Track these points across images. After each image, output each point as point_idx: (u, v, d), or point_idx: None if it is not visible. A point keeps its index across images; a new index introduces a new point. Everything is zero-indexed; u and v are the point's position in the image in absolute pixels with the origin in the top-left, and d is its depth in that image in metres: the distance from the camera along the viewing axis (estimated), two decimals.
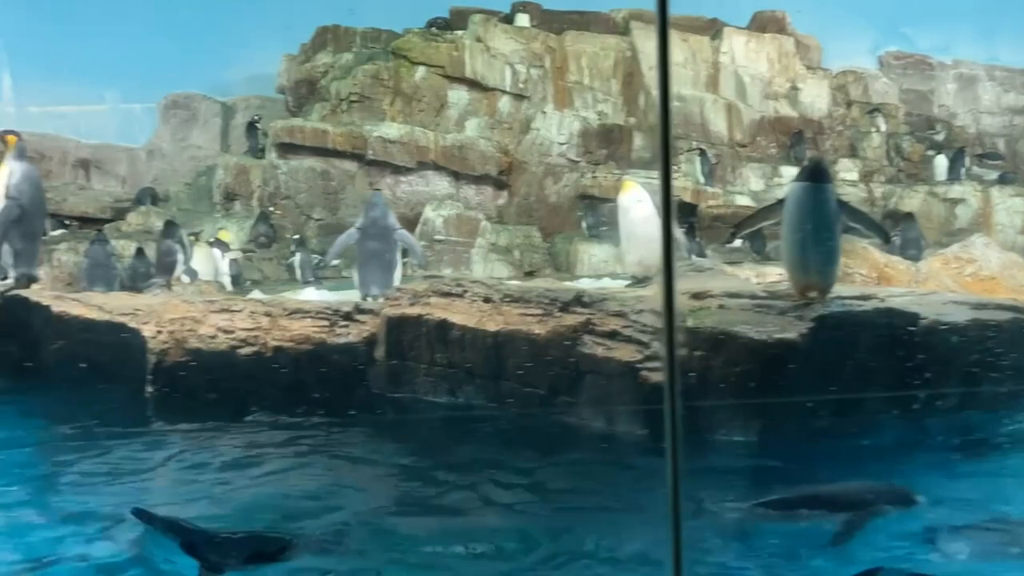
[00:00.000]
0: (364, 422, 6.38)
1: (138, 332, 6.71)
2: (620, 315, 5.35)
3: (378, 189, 9.75)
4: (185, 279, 11.31)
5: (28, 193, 8.22)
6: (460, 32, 16.13)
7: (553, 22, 16.84)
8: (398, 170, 15.39)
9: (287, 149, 15.12)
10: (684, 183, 14.38)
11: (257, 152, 15.65)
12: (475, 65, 15.79)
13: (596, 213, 14.20)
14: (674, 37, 17.27)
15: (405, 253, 9.51)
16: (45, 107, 19.68)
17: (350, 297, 8.47)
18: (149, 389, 6.73)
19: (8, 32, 19.02)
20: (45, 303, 7.07)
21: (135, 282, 11.21)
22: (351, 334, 6.51)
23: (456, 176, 15.50)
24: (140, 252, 12.47)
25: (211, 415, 6.49)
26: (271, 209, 14.43)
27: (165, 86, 19.40)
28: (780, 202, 5.37)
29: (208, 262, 11.60)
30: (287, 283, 13.16)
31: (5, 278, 10.10)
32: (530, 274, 13.54)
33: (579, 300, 5.67)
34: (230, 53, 19.54)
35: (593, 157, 15.74)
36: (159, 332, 6.65)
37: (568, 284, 7.93)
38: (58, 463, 5.88)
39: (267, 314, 6.71)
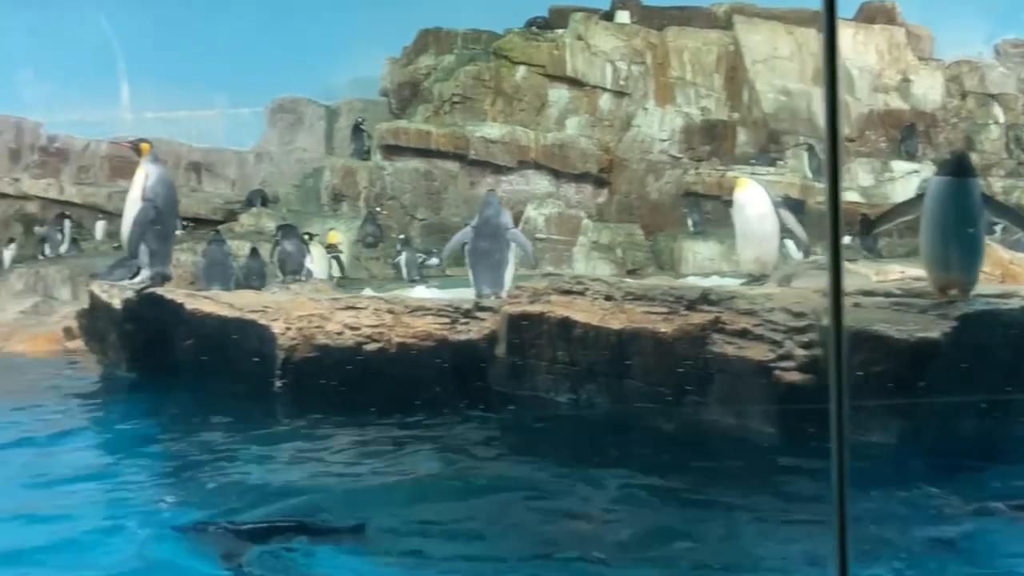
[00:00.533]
0: (485, 418, 6.46)
1: (268, 328, 6.95)
2: (751, 313, 5.27)
3: (492, 189, 9.81)
4: (301, 278, 11.65)
5: (162, 195, 8.60)
6: (560, 31, 16.14)
7: (653, 18, 16.69)
8: (499, 170, 15.50)
9: (392, 150, 15.40)
10: (792, 179, 14.06)
11: (363, 154, 15.98)
12: (576, 63, 15.77)
13: (700, 210, 14.02)
14: (779, 30, 16.90)
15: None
16: (159, 112, 20.57)
17: (458, 295, 8.57)
18: (278, 383, 6.97)
19: (126, 41, 19.97)
20: (179, 300, 7.38)
21: (250, 281, 11.59)
22: (472, 331, 6.60)
23: (556, 175, 15.52)
24: (255, 252, 12.89)
25: (338, 409, 6.68)
26: (378, 209, 14.71)
27: (272, 91, 20.04)
28: (919, 197, 5.20)
29: (323, 261, 11.91)
30: (393, 282, 13.40)
31: (134, 276, 10.60)
32: (633, 272, 13.45)
33: (706, 298, 5.60)
34: (334, 57, 20.02)
35: (696, 153, 15.54)
36: (288, 328, 6.88)
37: (689, 282, 7.84)
38: (193, 455, 6.12)
39: (390, 311, 6.86)
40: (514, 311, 6.30)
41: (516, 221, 13.91)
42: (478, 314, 6.65)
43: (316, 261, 11.91)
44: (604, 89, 15.95)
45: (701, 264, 13.12)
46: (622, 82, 15.94)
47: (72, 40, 20.87)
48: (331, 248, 12.98)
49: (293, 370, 6.85)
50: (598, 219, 14.79)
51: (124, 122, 20.52)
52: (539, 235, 14.01)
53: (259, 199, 16.65)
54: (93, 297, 7.79)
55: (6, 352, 9.90)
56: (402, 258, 13.79)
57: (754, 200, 8.29)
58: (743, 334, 5.20)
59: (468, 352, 6.54)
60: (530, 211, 14.31)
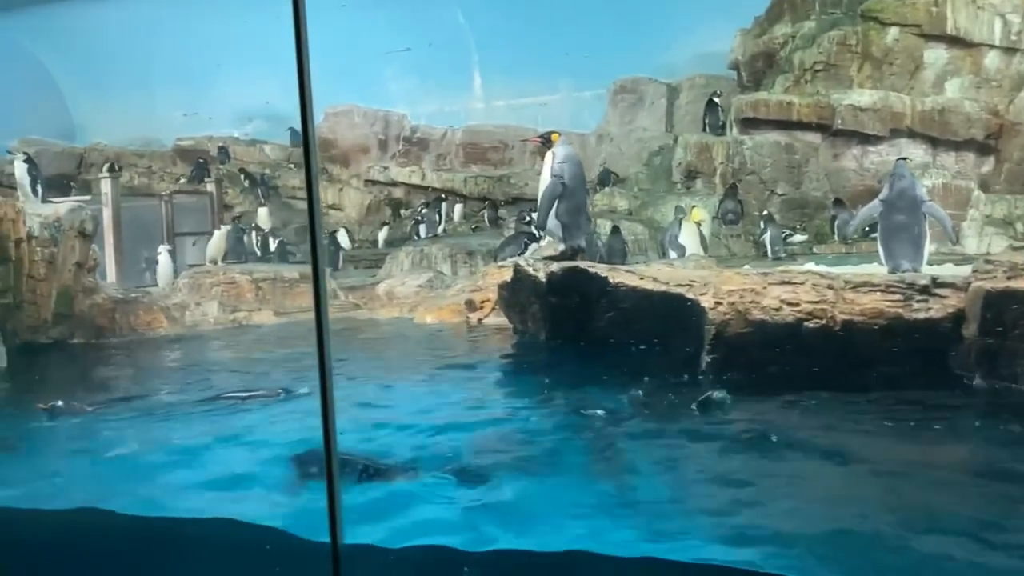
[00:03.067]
0: (946, 406, 5.94)
1: (696, 302, 6.92)
2: None
3: (903, 158, 9.09)
4: (673, 254, 11.65)
5: (569, 171, 8.96)
6: None
7: None
8: (866, 139, 14.51)
9: (750, 124, 14.94)
10: None
11: (717, 129, 15.68)
12: (958, 20, 14.30)
13: None
14: None
15: None
16: (508, 101, 21.67)
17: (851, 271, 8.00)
18: (707, 358, 6.92)
19: (479, 34, 21.21)
20: (603, 274, 7.56)
21: (612, 258, 11.80)
22: (932, 309, 6.09)
23: (933, 143, 14.22)
24: (616, 230, 13.14)
25: (771, 387, 6.49)
26: (738, 184, 14.37)
27: (614, 72, 20.34)
28: None
29: (695, 237, 11.82)
30: (756, 259, 13.01)
31: (524, 251, 11.16)
32: None
33: None
34: (674, 35, 19.83)
35: None
36: (718, 303, 6.79)
37: None
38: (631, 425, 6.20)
39: (830, 287, 6.52)
40: (993, 287, 5.71)
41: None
42: (937, 291, 6.12)
43: (688, 236, 11.84)
44: (991, 46, 14.32)
45: None
46: (1014, 37, 14.20)
47: (430, 34, 22.54)
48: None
49: (724, 344, 6.76)
50: (988, 190, 13.33)
51: (476, 111, 21.89)
52: None
53: (610, 178, 16.96)
54: (517, 270, 8.22)
55: (417, 322, 10.84)
56: (767, 235, 13.36)
57: None
58: None
59: (926, 332, 6.05)
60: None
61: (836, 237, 13.55)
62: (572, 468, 5.16)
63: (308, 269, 13.71)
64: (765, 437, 5.33)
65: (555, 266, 7.93)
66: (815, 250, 13.41)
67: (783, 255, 12.94)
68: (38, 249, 9.02)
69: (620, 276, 7.52)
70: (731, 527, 4.03)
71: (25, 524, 4.48)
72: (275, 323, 11.32)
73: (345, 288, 13.20)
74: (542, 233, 11.84)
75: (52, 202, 10.69)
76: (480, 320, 10.72)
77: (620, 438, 5.66)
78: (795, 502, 4.38)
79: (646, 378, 6.92)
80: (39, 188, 10.77)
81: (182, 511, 4.46)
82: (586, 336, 7.81)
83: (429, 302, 11.66)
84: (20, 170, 10.72)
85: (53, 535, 4.21)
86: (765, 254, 13.23)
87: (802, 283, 6.61)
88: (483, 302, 10.90)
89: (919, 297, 6.17)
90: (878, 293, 6.31)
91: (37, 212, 9.24)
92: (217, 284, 12.22)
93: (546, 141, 9.19)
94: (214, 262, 13.63)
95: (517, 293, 8.39)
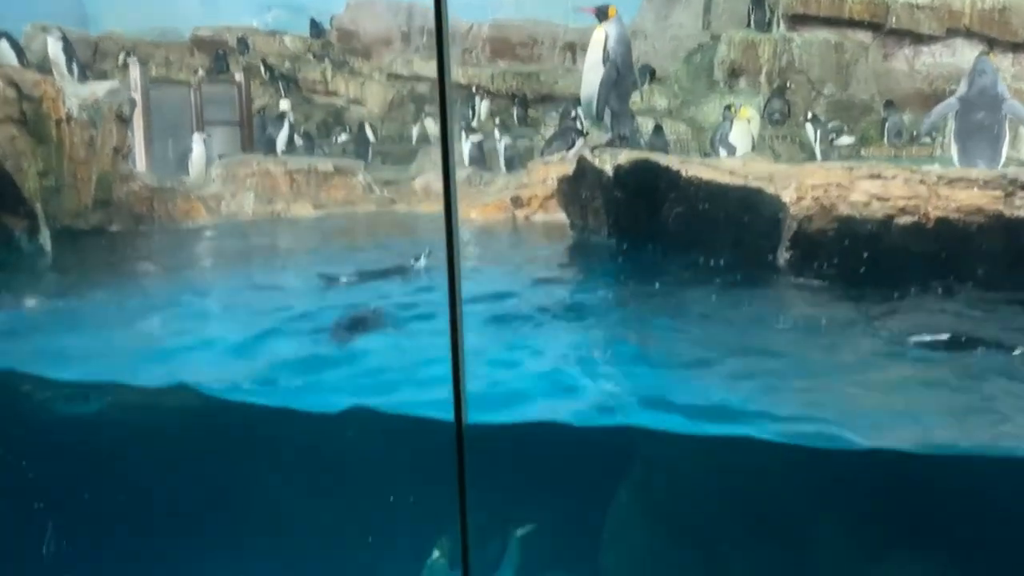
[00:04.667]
0: None
1: (777, 197, 6.64)
2: None
3: (985, 53, 8.66)
4: (723, 153, 11.30)
5: (621, 55, 8.51)
6: None
7: None
8: (920, 39, 13.94)
9: (798, 21, 14.33)
10: None
11: (763, 26, 15.05)
12: None
13: None
14: None
15: None
16: None
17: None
18: (785, 255, 6.69)
19: None
20: (674, 167, 7.26)
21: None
22: None
23: (991, 44, 13.62)
24: (658, 129, 12.76)
25: (853, 285, 6.29)
26: (787, 85, 13.87)
27: None
28: None
29: (746, 136, 11.44)
30: (801, 163, 12.64)
31: (571, 147, 10.80)
32: None
33: None
34: None
35: None
36: (801, 198, 6.51)
37: None
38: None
39: (922, 182, 6.24)
40: None
41: (933, 98, 12.49)
42: None
43: (739, 135, 11.47)
44: None
45: None
46: None
47: None
48: None
49: (805, 241, 6.51)
50: None
51: (505, 4, 21.07)
52: None
53: (648, 75, 16.38)
54: (581, 163, 7.91)
55: (461, 218, 10.59)
56: (814, 135, 13.00)
57: None
58: None
59: None
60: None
61: (885, 140, 13.14)
62: None
63: (342, 162, 13.38)
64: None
65: (623, 158, 7.62)
66: (862, 153, 13.03)
67: (831, 157, 12.57)
68: (77, 131, 8.68)
69: (693, 169, 7.22)
70: None
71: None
72: (315, 215, 11.06)
73: (380, 183, 12.89)
74: (588, 125, 11.46)
75: (89, 82, 10.27)
76: (527, 217, 10.46)
77: None
78: None
79: (717, 279, 6.74)
80: (75, 67, 10.33)
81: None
82: (651, 233, 7.56)
83: (471, 198, 11.36)
84: (54, 48, 10.26)
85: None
86: (811, 156, 12.85)
87: (893, 177, 6.31)
88: (530, 199, 10.63)
89: (1021, 193, 5.89)
90: (976, 189, 6.03)
91: (75, 92, 8.86)
92: (252, 175, 11.90)
93: (601, 14, 8.63)
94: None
95: (579, 187, 8.10)
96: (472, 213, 10.62)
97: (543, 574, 4.88)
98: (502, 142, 13.82)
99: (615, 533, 4.92)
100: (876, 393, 4.68)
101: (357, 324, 5.31)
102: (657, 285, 6.87)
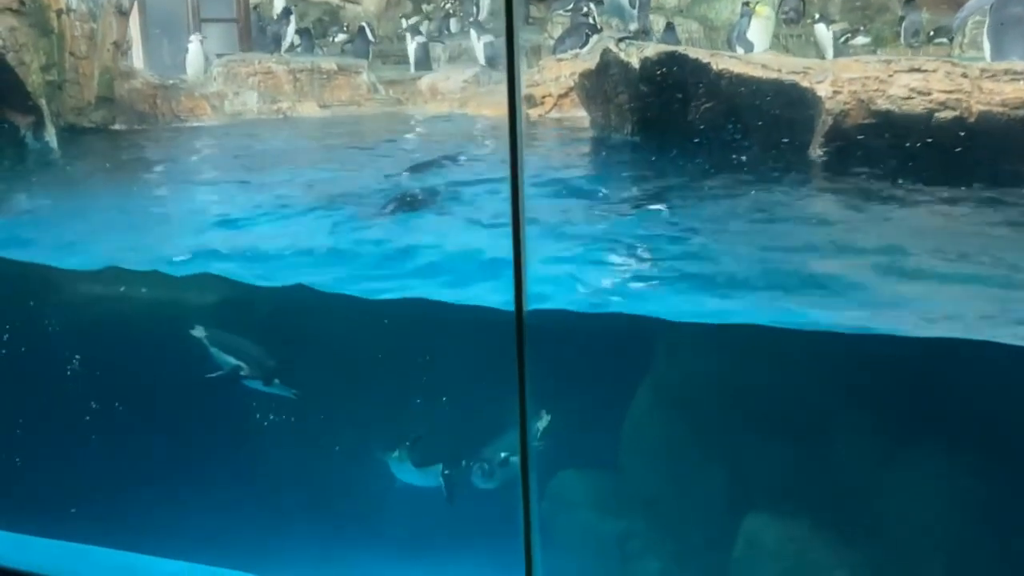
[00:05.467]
0: None
1: (811, 91, 6.47)
2: None
3: None
4: (740, 51, 11.01)
5: None
6: None
7: None
8: None
9: None
10: None
11: None
12: None
13: None
14: None
15: None
16: None
17: None
18: (819, 151, 6.56)
19: None
20: (704, 60, 7.04)
21: None
22: None
23: None
24: (670, 27, 12.40)
25: (891, 180, 6.20)
26: None
27: None
28: None
29: (765, 32, 11.13)
30: None
31: (584, 45, 10.50)
32: None
33: None
34: None
35: None
36: (837, 92, 6.34)
37: None
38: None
39: (964, 75, 6.07)
40: None
41: None
42: None
43: (757, 32, 11.15)
44: None
45: None
46: None
47: None
48: None
49: (840, 137, 6.38)
50: None
51: None
52: None
53: None
54: (606, 55, 7.66)
55: (471, 114, 10.36)
56: (824, 35, 12.67)
57: None
58: None
59: None
60: None
61: (902, 40, 12.82)
62: None
63: (346, 61, 12.99)
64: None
65: (650, 51, 7.37)
66: (878, 53, 12.73)
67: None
68: (77, 24, 8.32)
69: (724, 62, 7.00)
70: None
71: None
72: (323, 116, 10.79)
73: (384, 82, 12.54)
74: (602, 20, 11.13)
75: None
76: (541, 116, 10.22)
77: None
78: None
79: (746, 173, 6.64)
80: None
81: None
82: (677, 130, 7.38)
83: (480, 98, 11.09)
84: None
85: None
86: (823, 56, 12.56)
87: (934, 71, 6.14)
88: (544, 97, 10.37)
89: None
90: (1022, 82, 5.87)
91: None
92: (253, 74, 11.54)
93: None
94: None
95: (602, 82, 7.86)
96: (485, 111, 10.38)
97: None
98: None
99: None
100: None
101: (412, 202, 5.19)
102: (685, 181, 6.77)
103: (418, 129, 10.28)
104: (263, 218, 5.55)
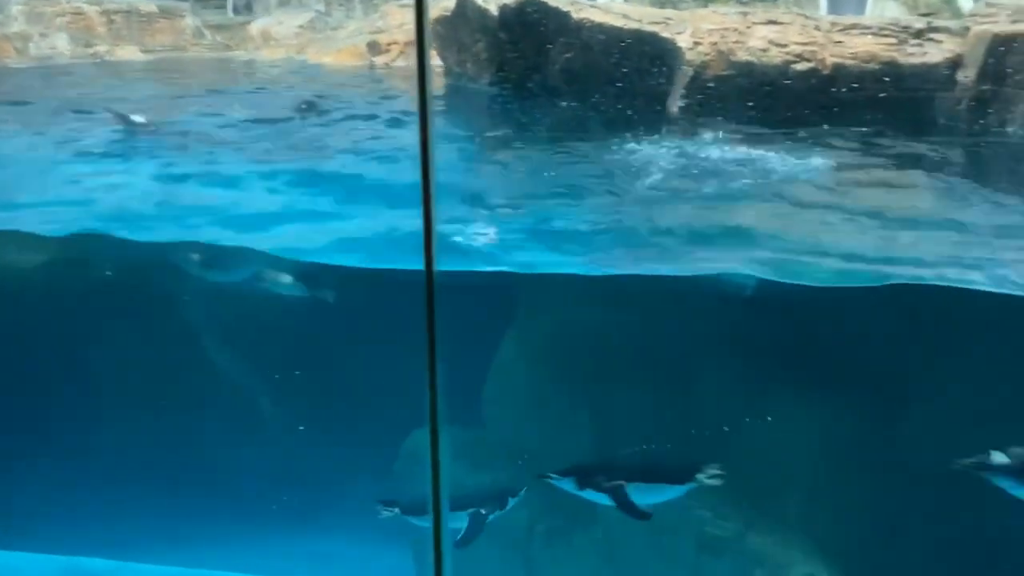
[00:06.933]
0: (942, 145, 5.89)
1: (671, 42, 6.42)
2: None
3: None
4: None
5: None
6: None
7: None
8: None
9: None
10: None
11: None
12: None
13: None
14: None
15: None
16: None
17: None
18: (679, 102, 6.54)
19: None
20: (564, 9, 6.85)
21: None
22: (927, 54, 5.91)
23: None
24: None
25: (749, 130, 6.26)
26: None
27: None
28: None
29: None
30: None
31: None
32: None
33: None
34: None
35: None
36: (698, 43, 6.33)
37: None
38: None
39: (817, 27, 6.20)
40: (1000, 31, 5.55)
41: None
42: (933, 35, 5.93)
43: None
44: None
45: None
46: None
47: None
48: None
49: (700, 89, 6.38)
50: None
51: None
52: None
53: None
54: (461, 3, 7.32)
55: (312, 62, 9.76)
56: None
57: None
58: None
59: (920, 77, 5.90)
60: None
61: None
62: None
63: (166, 3, 11.93)
64: None
65: None
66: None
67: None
68: None
69: (585, 12, 6.83)
70: None
71: None
72: (147, 59, 9.84)
73: (211, 27, 11.63)
74: None
75: None
76: (387, 64, 9.77)
77: None
78: None
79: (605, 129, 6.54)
80: None
81: None
82: (534, 80, 7.19)
83: (319, 44, 10.47)
84: None
85: None
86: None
87: (789, 23, 6.24)
88: (389, 44, 9.91)
89: (914, 41, 5.97)
90: (870, 36, 6.06)
91: None
92: (62, 15, 10.37)
93: None
94: None
95: (457, 29, 7.53)
96: (325, 58, 9.80)
97: None
98: None
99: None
100: None
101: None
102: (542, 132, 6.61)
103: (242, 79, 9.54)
104: None
